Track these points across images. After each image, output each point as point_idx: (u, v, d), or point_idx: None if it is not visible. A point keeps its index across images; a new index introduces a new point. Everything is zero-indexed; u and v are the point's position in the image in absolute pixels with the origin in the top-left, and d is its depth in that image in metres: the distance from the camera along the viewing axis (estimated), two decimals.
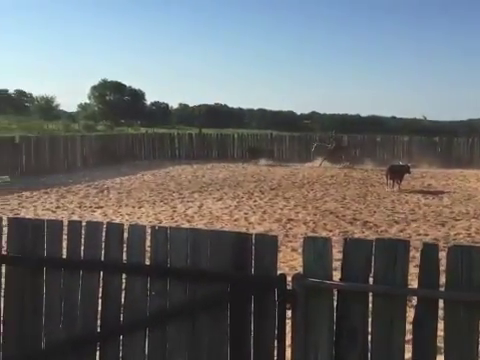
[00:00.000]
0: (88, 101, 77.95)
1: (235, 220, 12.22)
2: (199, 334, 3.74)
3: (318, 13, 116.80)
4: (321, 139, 28.26)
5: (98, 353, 3.99)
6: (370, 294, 3.46)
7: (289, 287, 3.60)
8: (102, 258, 3.95)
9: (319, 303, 3.50)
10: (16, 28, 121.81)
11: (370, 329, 3.46)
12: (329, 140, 28.01)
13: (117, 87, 77.65)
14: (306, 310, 3.51)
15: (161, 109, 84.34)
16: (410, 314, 3.45)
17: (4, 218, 4.33)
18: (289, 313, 3.61)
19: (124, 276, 3.93)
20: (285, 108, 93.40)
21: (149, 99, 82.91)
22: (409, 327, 3.42)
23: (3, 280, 4.17)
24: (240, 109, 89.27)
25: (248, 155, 27.66)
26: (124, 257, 3.94)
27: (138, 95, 79.58)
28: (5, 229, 4.21)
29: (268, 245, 3.66)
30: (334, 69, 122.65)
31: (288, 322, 3.62)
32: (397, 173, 18.22)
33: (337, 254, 3.68)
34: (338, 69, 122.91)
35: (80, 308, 3.97)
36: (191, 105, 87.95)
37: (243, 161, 26.92)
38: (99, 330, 3.98)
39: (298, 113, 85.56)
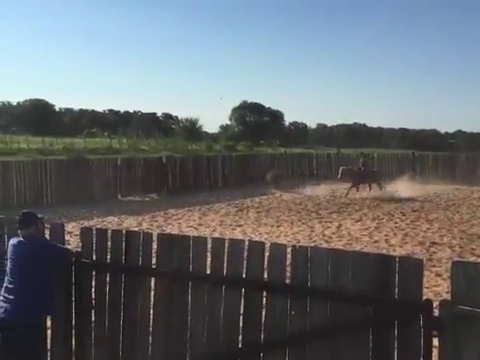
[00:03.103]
0: (229, 122, 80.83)
1: (375, 242, 11.89)
2: (340, 357, 3.67)
3: (464, 27, 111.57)
4: (364, 163, 23.12)
5: None
6: None
7: (435, 314, 3.43)
8: (244, 275, 4.03)
9: (469, 333, 3.29)
10: (164, 57, 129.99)
11: None
12: (358, 163, 23.58)
13: (257, 108, 79.74)
14: (454, 340, 3.32)
15: (299, 129, 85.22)
16: None
17: (154, 234, 4.58)
18: (435, 341, 3.44)
19: (265, 294, 3.97)
20: (428, 127, 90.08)
21: (287, 119, 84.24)
22: None
23: (152, 293, 4.41)
24: (380, 128, 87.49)
25: (272, 181, 23.98)
26: (265, 275, 3.99)
27: (277, 116, 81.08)
28: (154, 244, 4.45)
29: (413, 268, 3.51)
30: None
31: (434, 351, 3.45)
32: None
33: None
34: None
35: (222, 324, 4.07)
36: (329, 125, 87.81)
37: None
38: (240, 346, 4.05)
39: (442, 132, 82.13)
